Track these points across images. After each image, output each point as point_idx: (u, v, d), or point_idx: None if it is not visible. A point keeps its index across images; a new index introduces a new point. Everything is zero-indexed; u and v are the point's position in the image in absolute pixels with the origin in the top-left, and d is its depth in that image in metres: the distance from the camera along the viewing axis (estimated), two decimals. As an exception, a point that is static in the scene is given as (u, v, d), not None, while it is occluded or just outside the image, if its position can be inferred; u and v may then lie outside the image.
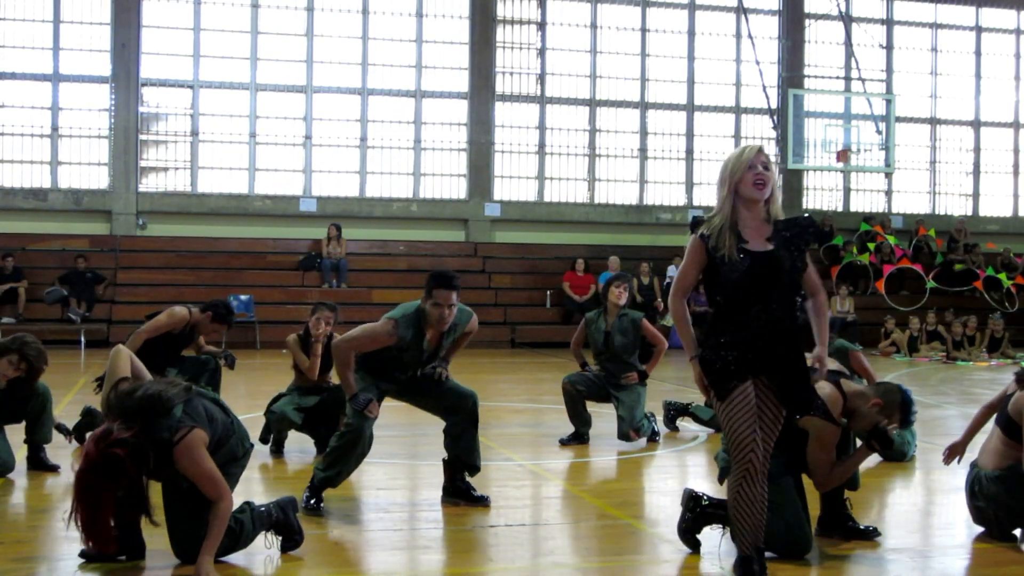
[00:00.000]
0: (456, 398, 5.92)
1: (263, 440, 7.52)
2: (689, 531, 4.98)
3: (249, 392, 10.86)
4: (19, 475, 6.61)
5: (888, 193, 23.63)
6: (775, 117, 21.51)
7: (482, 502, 5.87)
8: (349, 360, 5.69)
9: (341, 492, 6.34)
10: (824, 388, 4.81)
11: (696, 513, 4.98)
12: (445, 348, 5.89)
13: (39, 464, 6.75)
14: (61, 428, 7.14)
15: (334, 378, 6.77)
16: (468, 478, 6.01)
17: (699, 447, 8.26)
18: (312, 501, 5.70)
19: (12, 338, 6.65)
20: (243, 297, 17.83)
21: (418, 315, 5.69)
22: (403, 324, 5.65)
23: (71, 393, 10.59)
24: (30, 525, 5.46)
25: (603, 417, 9.63)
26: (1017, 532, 5.25)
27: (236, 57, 20.47)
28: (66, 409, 8.99)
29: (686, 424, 9.19)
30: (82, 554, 4.62)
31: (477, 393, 6.01)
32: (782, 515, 4.76)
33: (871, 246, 21.32)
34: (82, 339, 16.90)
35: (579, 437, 8.15)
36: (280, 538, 4.88)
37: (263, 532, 4.82)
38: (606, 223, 21.74)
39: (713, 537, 5.00)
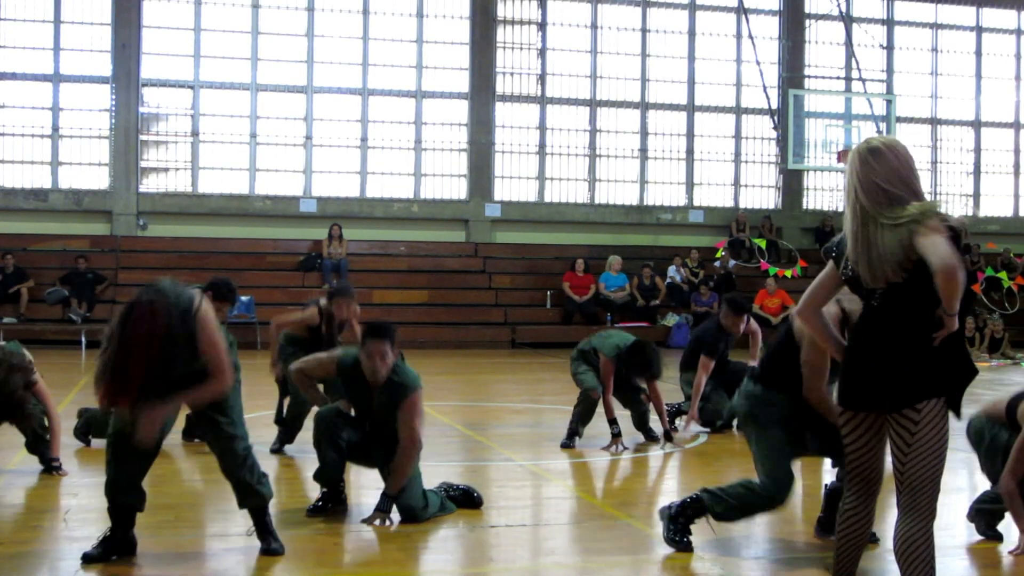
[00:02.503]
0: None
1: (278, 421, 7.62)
2: (677, 539, 4.98)
3: (249, 392, 10.83)
4: (19, 475, 6.61)
5: (888, 193, 23.59)
6: (775, 117, 21.52)
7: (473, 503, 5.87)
8: (307, 383, 6.00)
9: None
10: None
11: (677, 523, 4.99)
12: (383, 406, 5.58)
13: (44, 460, 6.79)
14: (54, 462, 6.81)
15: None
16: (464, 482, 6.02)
17: (699, 447, 8.26)
18: (320, 502, 5.72)
19: None
20: (244, 298, 17.80)
21: (358, 361, 5.62)
22: (344, 360, 5.73)
23: (72, 393, 10.59)
24: (30, 525, 5.46)
25: (602, 417, 9.64)
26: (1008, 549, 5.23)
27: (237, 57, 20.48)
28: (67, 409, 8.97)
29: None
30: (84, 557, 4.63)
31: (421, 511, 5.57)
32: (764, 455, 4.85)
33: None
34: (83, 339, 16.89)
35: (576, 433, 8.11)
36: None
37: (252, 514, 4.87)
38: (606, 223, 21.75)
39: (712, 537, 5.01)
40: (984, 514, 5.35)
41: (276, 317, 8.10)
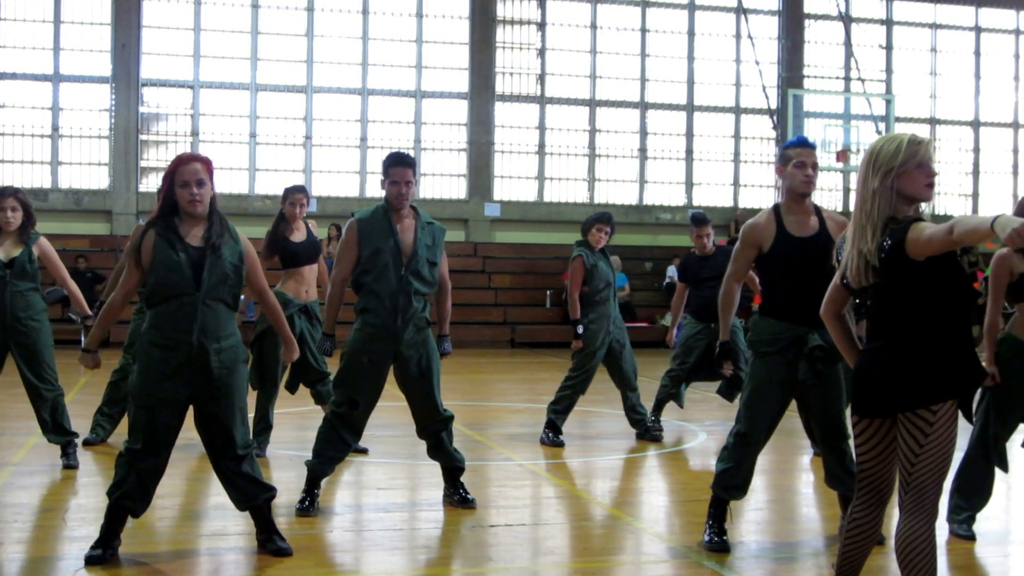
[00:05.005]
0: (429, 413, 5.78)
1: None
2: (714, 539, 5.04)
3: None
4: (20, 475, 6.62)
5: (888, 193, 23.58)
6: (775, 117, 21.53)
7: (469, 504, 5.85)
8: (340, 297, 5.87)
9: (340, 492, 6.36)
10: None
11: (711, 527, 5.05)
12: (423, 254, 5.64)
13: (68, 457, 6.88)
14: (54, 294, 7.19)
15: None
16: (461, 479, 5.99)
17: (699, 447, 8.27)
18: (306, 502, 5.69)
19: None
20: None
21: (376, 209, 5.72)
22: (360, 215, 5.74)
23: (72, 392, 10.59)
24: (31, 525, 5.47)
25: (603, 417, 9.66)
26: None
27: (236, 57, 20.49)
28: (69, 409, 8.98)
29: (686, 423, 9.20)
30: (88, 559, 4.62)
31: (454, 415, 5.88)
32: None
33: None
34: (82, 339, 16.86)
35: (559, 430, 8.17)
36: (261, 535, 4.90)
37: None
38: (606, 223, 21.72)
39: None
40: None
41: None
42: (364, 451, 7.43)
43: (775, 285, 5.02)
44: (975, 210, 24.08)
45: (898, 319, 3.56)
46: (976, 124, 24.21)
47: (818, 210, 5.05)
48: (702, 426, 9.16)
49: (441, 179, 21.39)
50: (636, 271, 20.80)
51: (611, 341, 8.15)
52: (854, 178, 23.59)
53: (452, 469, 5.88)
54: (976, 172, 24.23)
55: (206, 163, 4.70)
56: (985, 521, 5.48)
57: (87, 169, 19.96)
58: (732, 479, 5.00)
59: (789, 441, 8.17)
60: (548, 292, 19.98)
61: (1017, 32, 24.53)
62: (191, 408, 4.73)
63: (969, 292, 3.56)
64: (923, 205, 3.62)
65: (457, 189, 21.44)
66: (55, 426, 6.81)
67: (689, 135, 22.53)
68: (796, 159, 4.95)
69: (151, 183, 20.17)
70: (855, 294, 3.72)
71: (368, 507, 6.02)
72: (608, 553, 5.13)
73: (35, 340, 6.68)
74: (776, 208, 5.05)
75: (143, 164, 20.10)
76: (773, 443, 7.91)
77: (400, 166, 5.64)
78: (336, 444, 5.67)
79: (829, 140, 21.10)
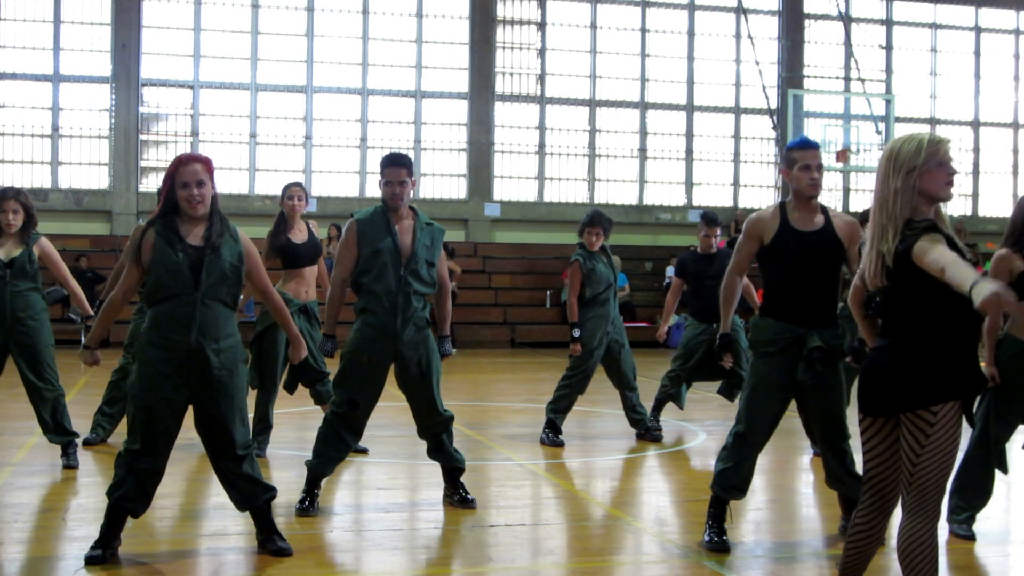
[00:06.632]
0: (429, 413, 5.79)
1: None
2: (714, 539, 5.03)
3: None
4: (20, 475, 6.62)
5: (888, 193, 23.57)
6: (775, 117, 21.53)
7: (469, 504, 5.85)
8: (341, 298, 5.86)
9: (340, 492, 6.36)
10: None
11: (710, 527, 5.04)
12: (422, 255, 5.64)
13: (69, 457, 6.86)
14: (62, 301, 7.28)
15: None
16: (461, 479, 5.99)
17: (699, 447, 8.27)
18: (307, 502, 5.69)
19: None
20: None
21: (375, 210, 5.73)
22: (359, 215, 5.75)
23: (72, 393, 10.59)
24: (31, 525, 5.47)
25: (603, 417, 9.66)
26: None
27: (236, 57, 20.50)
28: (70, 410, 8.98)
29: (686, 423, 9.21)
30: (88, 559, 4.61)
31: (454, 415, 5.88)
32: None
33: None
34: (82, 339, 16.86)
35: (559, 429, 8.17)
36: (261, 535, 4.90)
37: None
38: (606, 223, 21.71)
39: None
40: None
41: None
42: (364, 451, 7.43)
43: (776, 282, 5.01)
44: (975, 210, 24.12)
45: (904, 319, 3.58)
46: (976, 124, 24.21)
47: (824, 209, 5.05)
48: (702, 426, 9.16)
49: (441, 179, 21.39)
50: (636, 271, 20.81)
51: (609, 341, 8.14)
52: (854, 178, 23.72)
53: (452, 469, 5.89)
54: (976, 172, 24.23)
55: (206, 163, 4.69)
56: (985, 521, 5.48)
57: (87, 169, 19.97)
58: (732, 479, 5.00)
59: (789, 441, 8.17)
60: (548, 292, 19.98)
61: (1017, 32, 24.54)
62: (191, 408, 4.73)
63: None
64: (941, 204, 3.63)
65: (457, 189, 21.44)
66: (55, 426, 6.80)
67: (689, 135, 22.54)
68: (801, 162, 4.94)
69: (151, 183, 20.18)
70: (869, 292, 3.76)
71: (368, 507, 6.02)
72: (608, 553, 5.13)
73: (35, 340, 6.68)
74: (783, 204, 5.06)
75: (143, 164, 20.11)
76: (773, 443, 7.91)
77: (394, 166, 5.65)
78: (336, 444, 5.67)
79: (829, 140, 21.09)
